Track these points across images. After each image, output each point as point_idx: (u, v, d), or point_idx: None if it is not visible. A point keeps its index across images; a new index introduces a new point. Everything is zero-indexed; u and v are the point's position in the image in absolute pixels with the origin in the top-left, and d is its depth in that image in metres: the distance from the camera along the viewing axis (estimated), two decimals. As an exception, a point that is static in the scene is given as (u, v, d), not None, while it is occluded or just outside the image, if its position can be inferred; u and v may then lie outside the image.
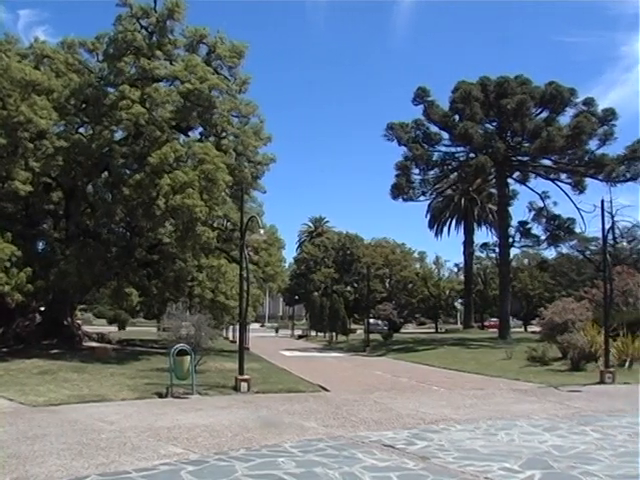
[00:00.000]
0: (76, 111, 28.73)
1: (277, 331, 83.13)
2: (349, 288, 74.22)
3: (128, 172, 27.86)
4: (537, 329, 38.76)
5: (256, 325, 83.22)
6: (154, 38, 29.40)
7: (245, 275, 18.04)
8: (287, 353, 37.28)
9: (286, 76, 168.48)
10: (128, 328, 59.19)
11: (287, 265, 66.60)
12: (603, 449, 9.58)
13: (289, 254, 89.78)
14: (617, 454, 9.25)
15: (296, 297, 77.84)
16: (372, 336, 44.82)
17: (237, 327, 29.31)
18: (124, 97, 26.31)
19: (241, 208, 20.63)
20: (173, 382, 15.66)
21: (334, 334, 56.01)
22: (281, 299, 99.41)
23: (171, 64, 29.43)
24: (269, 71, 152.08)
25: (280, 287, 41.18)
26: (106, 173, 29.25)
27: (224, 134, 30.44)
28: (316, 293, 69.70)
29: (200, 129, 30.94)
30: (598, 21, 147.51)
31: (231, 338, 45.25)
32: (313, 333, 65.86)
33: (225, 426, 11.37)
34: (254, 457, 8.84)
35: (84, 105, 28.70)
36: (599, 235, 23.75)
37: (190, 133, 31.07)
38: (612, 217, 48.49)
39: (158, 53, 28.98)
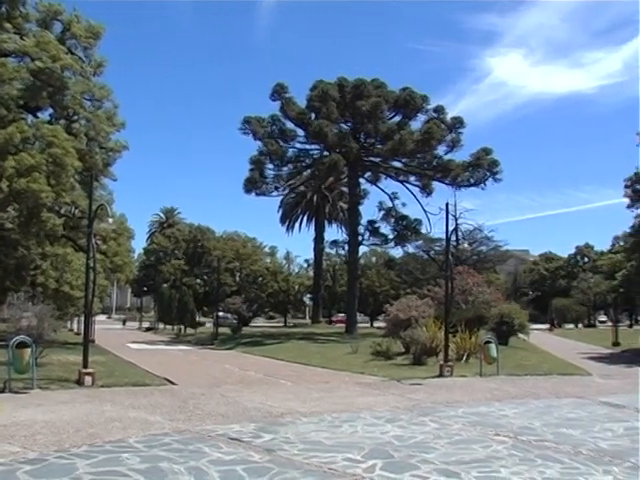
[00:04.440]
0: None
1: (124, 323, 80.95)
2: (199, 281, 73.52)
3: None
4: (382, 325, 40.13)
5: (103, 317, 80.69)
6: (3, 9, 27.69)
7: (92, 265, 17.48)
8: (134, 346, 36.40)
9: (146, 66, 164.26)
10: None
11: (136, 256, 64.88)
12: (440, 438, 10.08)
13: (138, 244, 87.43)
14: (452, 442, 9.78)
15: (145, 288, 76.15)
16: (221, 329, 44.69)
17: (82, 319, 28.27)
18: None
19: (90, 195, 19.87)
20: (11, 376, 14.88)
21: (183, 327, 55.30)
22: (129, 290, 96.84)
23: (21, 39, 27.78)
24: (128, 59, 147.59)
25: (128, 278, 40.02)
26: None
27: (75, 117, 29.24)
28: (165, 285, 68.42)
29: (50, 110, 29.54)
30: (452, 33, 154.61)
31: (76, 330, 43.58)
32: (161, 326, 64.64)
33: (67, 422, 10.98)
34: (97, 453, 8.60)
35: None
36: (443, 236, 24.85)
37: (39, 114, 29.59)
38: (456, 220, 51.12)
39: (7, 26, 27.32)
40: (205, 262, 72.61)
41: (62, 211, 29.45)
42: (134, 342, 39.85)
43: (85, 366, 16.50)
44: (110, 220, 20.27)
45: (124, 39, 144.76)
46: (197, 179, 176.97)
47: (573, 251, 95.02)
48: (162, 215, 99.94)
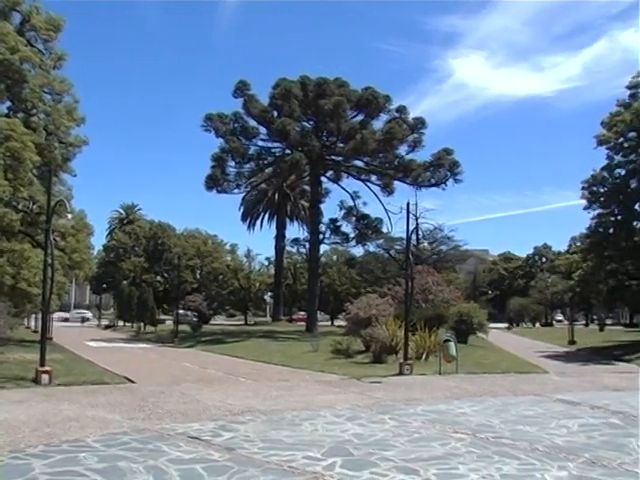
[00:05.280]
0: None
1: (83, 321, 79.86)
2: (159, 278, 72.90)
3: None
4: (343, 323, 40.27)
5: (61, 314, 79.41)
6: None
7: (50, 261, 17.25)
8: (93, 344, 35.91)
9: (108, 61, 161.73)
10: None
11: (95, 252, 64.10)
12: (399, 436, 10.17)
13: (98, 241, 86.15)
14: (411, 440, 9.87)
15: (104, 286, 75.21)
16: (181, 327, 44.41)
17: (40, 316, 27.84)
18: None
19: (48, 191, 19.56)
20: (-35, 374, 14.63)
21: (142, 324, 54.78)
22: (88, 287, 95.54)
23: (-22, 29, 27.29)
24: (90, 53, 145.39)
25: (87, 275, 39.47)
26: None
27: (34, 111, 28.75)
28: (125, 282, 67.71)
29: (8, 103, 28.95)
30: (415, 34, 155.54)
31: (33, 328, 42.91)
32: (121, 323, 63.94)
33: (22, 421, 10.81)
34: (54, 453, 8.49)
35: None
36: (404, 235, 25.03)
37: (-4, 107, 29.07)
38: (416, 219, 51.66)
39: (-38, 15, 26.82)
40: (165, 259, 72.02)
41: (20, 206, 28.92)
42: (93, 340, 39.33)
43: (42, 364, 16.26)
44: (69, 216, 19.98)
45: (85, 33, 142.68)
46: (158, 175, 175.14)
47: (531, 251, 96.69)
48: (122, 211, 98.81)
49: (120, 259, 71.92)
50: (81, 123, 30.41)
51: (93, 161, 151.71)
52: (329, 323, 68.66)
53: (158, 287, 68.67)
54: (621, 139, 32.94)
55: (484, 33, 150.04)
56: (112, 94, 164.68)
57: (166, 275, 72.59)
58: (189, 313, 60.64)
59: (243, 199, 66.71)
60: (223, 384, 17.48)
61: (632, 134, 32.64)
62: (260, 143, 44.66)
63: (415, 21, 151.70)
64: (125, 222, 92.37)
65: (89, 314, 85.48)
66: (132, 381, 17.48)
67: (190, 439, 9.66)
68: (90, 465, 7.91)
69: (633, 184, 33.50)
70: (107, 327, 64.43)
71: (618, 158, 33.59)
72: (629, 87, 33.73)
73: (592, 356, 29.86)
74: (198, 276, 73.67)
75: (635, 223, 33.40)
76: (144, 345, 37.44)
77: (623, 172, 33.74)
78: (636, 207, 33.42)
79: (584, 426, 11.31)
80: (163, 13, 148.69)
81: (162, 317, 67.07)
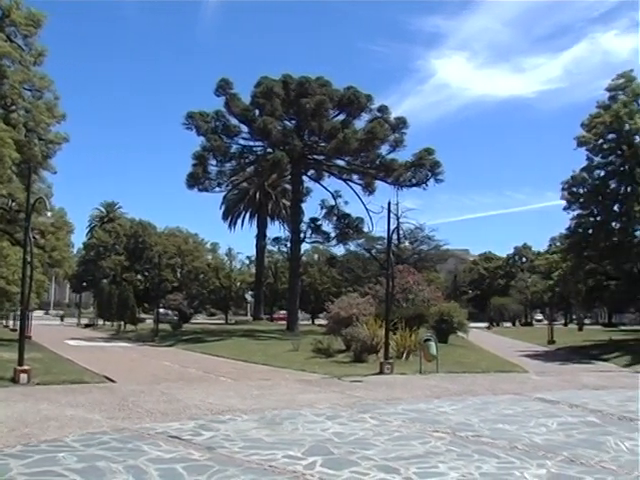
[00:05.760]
0: None
1: (63, 319, 79.30)
2: (139, 276, 72.48)
3: None
4: (324, 322, 40.32)
5: (40, 312, 78.85)
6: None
7: (29, 259, 17.09)
8: (72, 342, 35.66)
9: (89, 58, 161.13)
10: None
11: (75, 250, 63.78)
12: (380, 434, 10.19)
13: (78, 239, 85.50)
14: (392, 438, 9.90)
15: (84, 284, 74.70)
16: (162, 326, 44.24)
17: (19, 314, 27.60)
18: None
19: (28, 188, 19.40)
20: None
21: (123, 323, 54.50)
22: (68, 286, 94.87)
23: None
24: (71, 50, 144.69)
25: (67, 273, 39.28)
26: None
27: (14, 107, 28.49)
28: (105, 280, 67.37)
29: (-13, 100, 28.73)
30: (398, 34, 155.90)
31: (12, 326, 42.54)
32: (101, 322, 63.58)
33: (0, 421, 10.69)
34: (32, 453, 8.40)
35: None
36: (385, 235, 25.12)
37: (-25, 103, 28.77)
38: (397, 219, 51.89)
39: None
40: (146, 258, 71.64)
41: (-2, 204, 28.71)
42: (73, 338, 39.08)
43: (20, 363, 16.11)
44: (49, 214, 19.77)
45: (67, 30, 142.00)
46: (139, 174, 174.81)
47: (512, 251, 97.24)
48: (103, 209, 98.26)
49: (100, 257, 71.50)
50: (61, 120, 30.19)
51: (74, 159, 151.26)
52: (310, 322, 68.70)
53: (138, 286, 68.30)
54: (601, 140, 33.23)
55: (466, 34, 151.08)
56: (93, 91, 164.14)
57: (147, 274, 72.22)
58: (170, 312, 60.52)
59: (224, 198, 66.70)
60: (203, 383, 17.42)
61: (611, 136, 32.96)
62: (242, 142, 44.55)
63: (399, 21, 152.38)
64: (106, 220, 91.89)
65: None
66: (112, 380, 17.37)
67: (170, 438, 9.61)
68: (69, 465, 7.85)
69: (612, 185, 33.86)
70: (87, 326, 64.10)
71: (598, 159, 33.91)
72: (609, 89, 34.05)
73: (571, 355, 30.12)
74: (179, 275, 73.46)
75: (614, 224, 33.71)
76: (124, 344, 37.24)
77: (602, 173, 34.08)
78: (615, 208, 33.74)
79: (563, 425, 11.40)
80: (145, 11, 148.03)
81: (142, 316, 66.72)
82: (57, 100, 30.07)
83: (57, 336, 40.09)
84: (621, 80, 33.69)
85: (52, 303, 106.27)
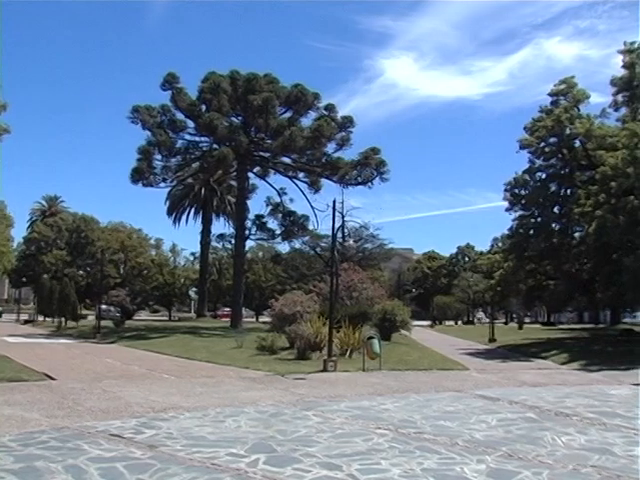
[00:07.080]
0: None
1: (1, 315, 77.27)
2: (81, 272, 71.35)
3: None
4: (268, 319, 40.26)
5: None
6: None
7: (-34, 253, 16.65)
8: (11, 339, 34.78)
9: (31, 47, 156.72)
10: None
11: (15, 245, 62.39)
12: (323, 432, 10.22)
13: (18, 233, 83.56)
14: (335, 435, 9.95)
15: (24, 279, 73.00)
16: (104, 322, 43.52)
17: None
18: None
19: (-35, 180, 18.90)
20: None
21: (64, 320, 53.43)
22: (7, 281, 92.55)
23: None
24: (12, 39, 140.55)
25: (6, 268, 38.38)
26: None
27: (-50, 97, 27.72)
28: (46, 276, 65.85)
29: None
30: (346, 33, 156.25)
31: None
32: (41, 318, 62.22)
33: None
34: (-33, 453, 8.20)
35: None
36: (330, 233, 25.18)
37: None
38: (342, 217, 51.81)
39: None
40: (88, 253, 70.48)
41: None
42: (11, 335, 38.13)
43: (-45, 360, 15.70)
44: (-14, 207, 19.29)
45: (7, 18, 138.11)
46: (82, 167, 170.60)
47: (455, 251, 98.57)
48: (44, 203, 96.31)
49: (41, 252, 69.99)
50: (2, 111, 29.47)
51: (14, 151, 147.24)
52: (254, 319, 68.53)
53: (80, 281, 67.12)
54: (542, 144, 34.02)
55: (415, 35, 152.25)
56: (36, 83, 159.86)
57: (89, 269, 71.11)
58: (112, 308, 59.56)
59: (169, 193, 66.11)
60: (146, 381, 17.21)
61: (553, 139, 33.77)
62: (188, 137, 44.20)
63: (348, 20, 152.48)
64: (47, 214, 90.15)
65: None
66: (52, 378, 17.04)
67: (111, 437, 9.48)
68: (5, 466, 7.67)
69: (553, 187, 34.69)
70: (26, 322, 62.59)
71: (539, 162, 34.71)
72: (551, 94, 34.86)
73: (511, 353, 30.65)
74: (122, 271, 72.33)
75: (554, 225, 34.55)
76: (65, 341, 36.53)
77: (544, 176, 34.91)
78: (555, 210, 34.58)
79: (502, 421, 11.61)
80: (92, 3, 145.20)
81: (84, 312, 65.51)
82: (-3, 90, 29.39)
83: (-6, 332, 39.14)
84: (563, 86, 34.53)
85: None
